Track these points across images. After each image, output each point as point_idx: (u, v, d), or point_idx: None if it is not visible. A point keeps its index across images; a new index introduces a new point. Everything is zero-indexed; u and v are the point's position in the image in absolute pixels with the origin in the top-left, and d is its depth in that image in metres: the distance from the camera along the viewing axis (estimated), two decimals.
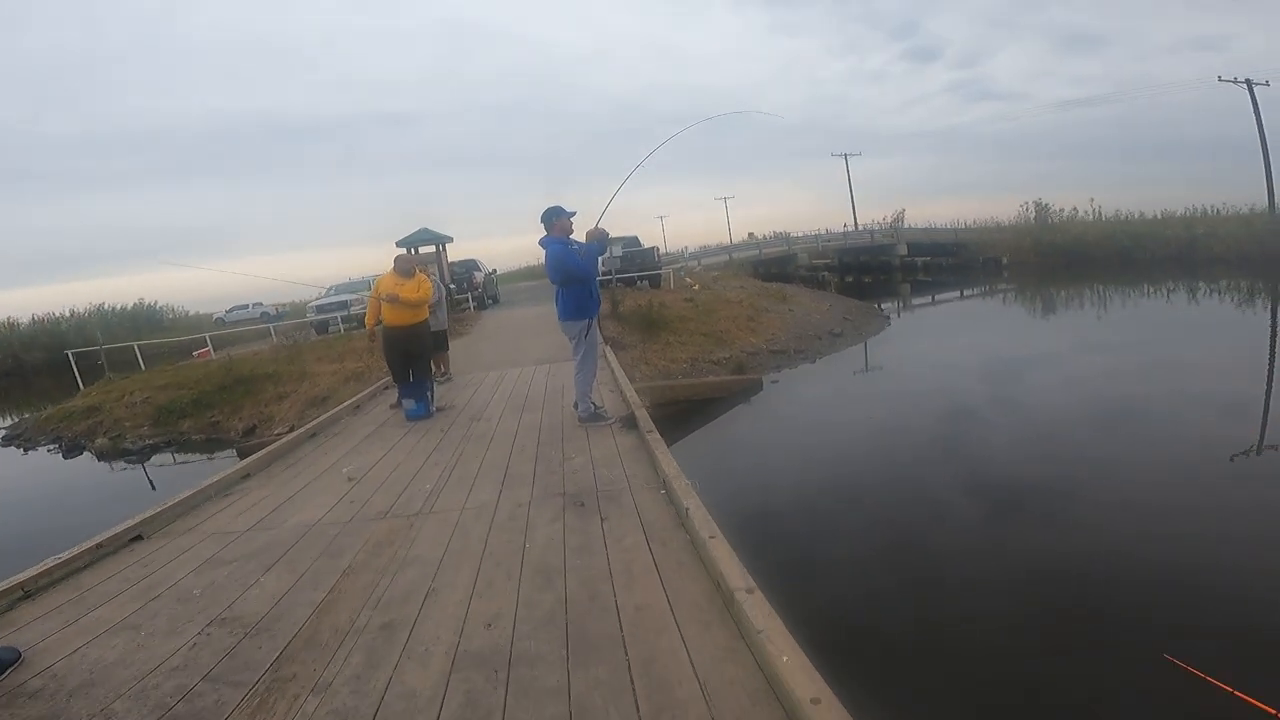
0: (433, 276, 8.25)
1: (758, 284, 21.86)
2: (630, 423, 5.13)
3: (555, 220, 5.25)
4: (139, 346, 18.43)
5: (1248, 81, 25.73)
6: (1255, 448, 6.13)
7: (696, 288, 17.76)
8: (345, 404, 7.92)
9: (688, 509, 3.20)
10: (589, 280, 5.36)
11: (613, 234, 5.17)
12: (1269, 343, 11.28)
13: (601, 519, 3.51)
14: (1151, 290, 19.77)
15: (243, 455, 8.74)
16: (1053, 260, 27.53)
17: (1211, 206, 28.40)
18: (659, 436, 4.49)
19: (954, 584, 4.41)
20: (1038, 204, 31.60)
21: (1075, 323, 15.89)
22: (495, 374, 8.87)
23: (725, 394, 9.92)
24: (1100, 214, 30.69)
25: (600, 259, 5.56)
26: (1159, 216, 29.74)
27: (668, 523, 3.34)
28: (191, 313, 34.85)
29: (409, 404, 6.56)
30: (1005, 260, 29.23)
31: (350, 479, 4.89)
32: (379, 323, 6.84)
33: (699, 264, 30.29)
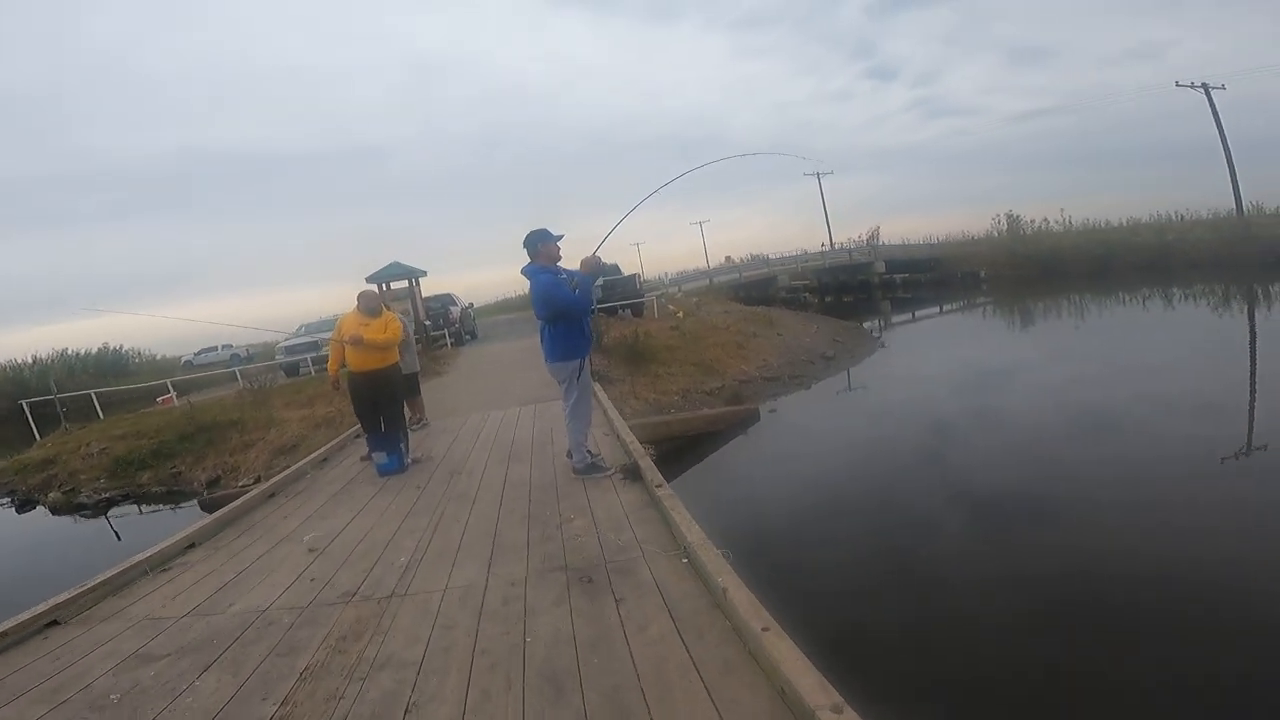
0: (402, 314, 7.64)
1: (741, 308, 21.49)
2: (633, 473, 4.54)
3: (541, 245, 4.64)
4: (96, 394, 17.57)
5: (1204, 86, 26.23)
6: (1244, 449, 6.31)
7: (681, 315, 17.29)
8: (310, 456, 7.20)
9: (725, 589, 2.61)
10: (582, 316, 4.75)
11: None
12: (1248, 345, 11.41)
13: (616, 600, 2.91)
14: (1128, 298, 19.83)
15: (206, 508, 8.23)
16: (1029, 272, 27.69)
17: (1176, 213, 28.95)
18: (670, 491, 3.90)
19: (998, 616, 4.12)
20: (1009, 216, 31.96)
21: (1059, 333, 15.79)
22: (476, 417, 8.22)
23: (722, 426, 9.37)
24: (1070, 224, 31.14)
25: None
26: (1125, 224, 30.29)
27: (699, 604, 2.75)
28: (159, 356, 33.84)
29: (380, 457, 5.88)
30: (983, 274, 29.33)
31: (311, 550, 4.23)
32: (344, 367, 6.18)
33: (679, 290, 29.97)
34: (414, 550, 3.95)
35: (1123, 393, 8.85)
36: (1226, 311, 15.96)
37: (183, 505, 9.46)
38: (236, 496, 6.99)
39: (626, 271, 21.55)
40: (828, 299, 32.54)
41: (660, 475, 4.21)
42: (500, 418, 7.93)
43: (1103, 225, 30.70)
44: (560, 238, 4.72)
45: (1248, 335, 12.40)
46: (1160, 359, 10.97)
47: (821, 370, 12.89)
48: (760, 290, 33.58)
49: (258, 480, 8.97)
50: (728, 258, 51.04)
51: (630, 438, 5.35)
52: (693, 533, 3.24)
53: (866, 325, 20.83)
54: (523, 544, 3.78)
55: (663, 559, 3.24)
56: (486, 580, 3.37)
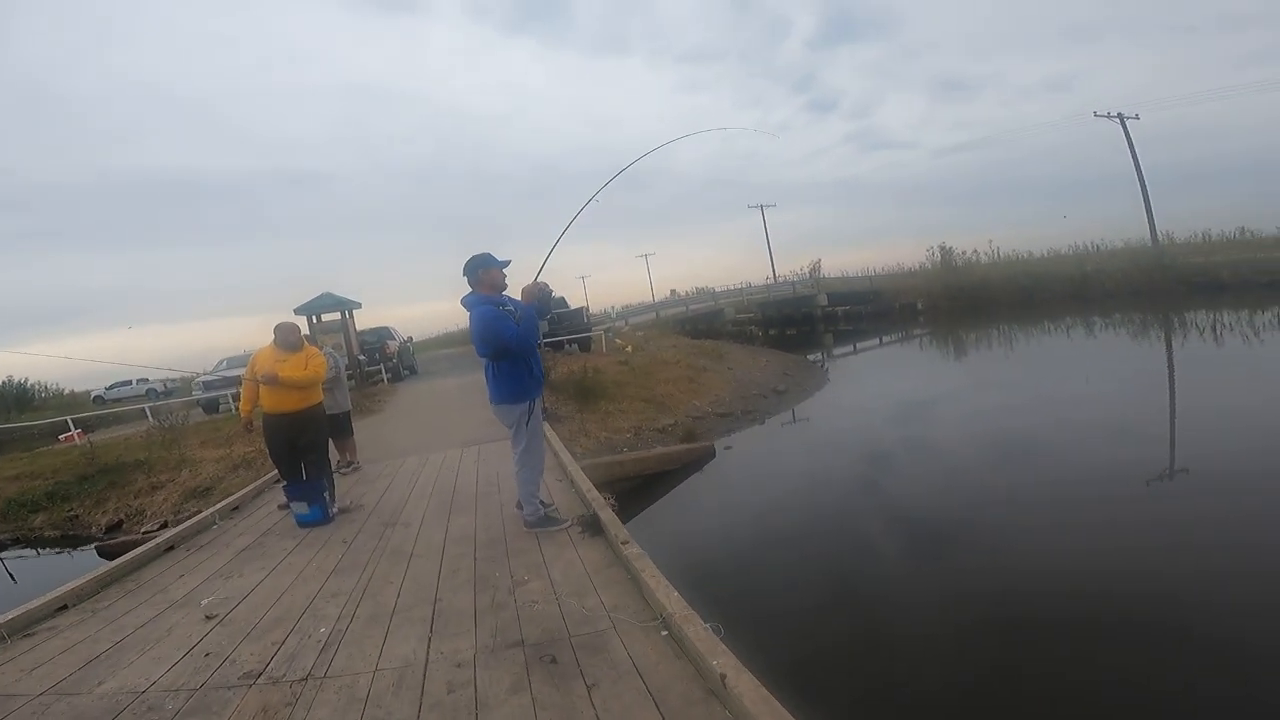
0: (325, 349, 7.00)
1: (690, 342, 21.30)
2: (592, 526, 4.06)
3: (482, 272, 4.14)
4: None
5: (1120, 116, 27.82)
6: (1167, 472, 6.68)
7: (629, 349, 16.93)
8: (219, 504, 6.41)
9: (723, 675, 2.17)
10: (529, 352, 4.22)
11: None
12: (1166, 372, 11.97)
13: (588, 686, 2.44)
14: (1053, 327, 20.62)
15: (105, 555, 7.57)
16: (962, 303, 28.62)
17: (1093, 243, 30.62)
18: (638, 549, 3.44)
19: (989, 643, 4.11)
20: (942, 248, 33.02)
21: (991, 364, 16.21)
22: (414, 460, 7.56)
23: (677, 465, 8.97)
24: (999, 254, 32.50)
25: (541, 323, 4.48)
26: (1046, 255, 31.87)
27: (690, 691, 2.31)
28: (66, 391, 31.36)
29: (300, 508, 5.21)
30: (920, 305, 30.17)
31: (209, 617, 3.60)
32: (257, 408, 5.49)
33: (626, 323, 29.71)
34: (337, 619, 3.37)
35: (1051, 420, 9.18)
36: (1144, 340, 16.74)
37: (81, 549, 8.88)
38: (141, 542, 6.19)
39: (573, 305, 21.12)
40: (772, 331, 32.82)
41: (624, 530, 3.75)
42: (441, 461, 7.31)
43: (1026, 256, 32.26)
44: (507, 263, 4.25)
45: (1165, 363, 13.00)
46: (1084, 388, 11.36)
47: (774, 405, 12.69)
48: (707, 323, 33.67)
49: (164, 526, 8.28)
50: (673, 291, 51.41)
51: (587, 485, 4.87)
52: (672, 600, 2.80)
53: (811, 357, 20.96)
54: (469, 612, 3.25)
55: (637, 631, 2.78)
56: (427, 658, 2.84)
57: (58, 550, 9.27)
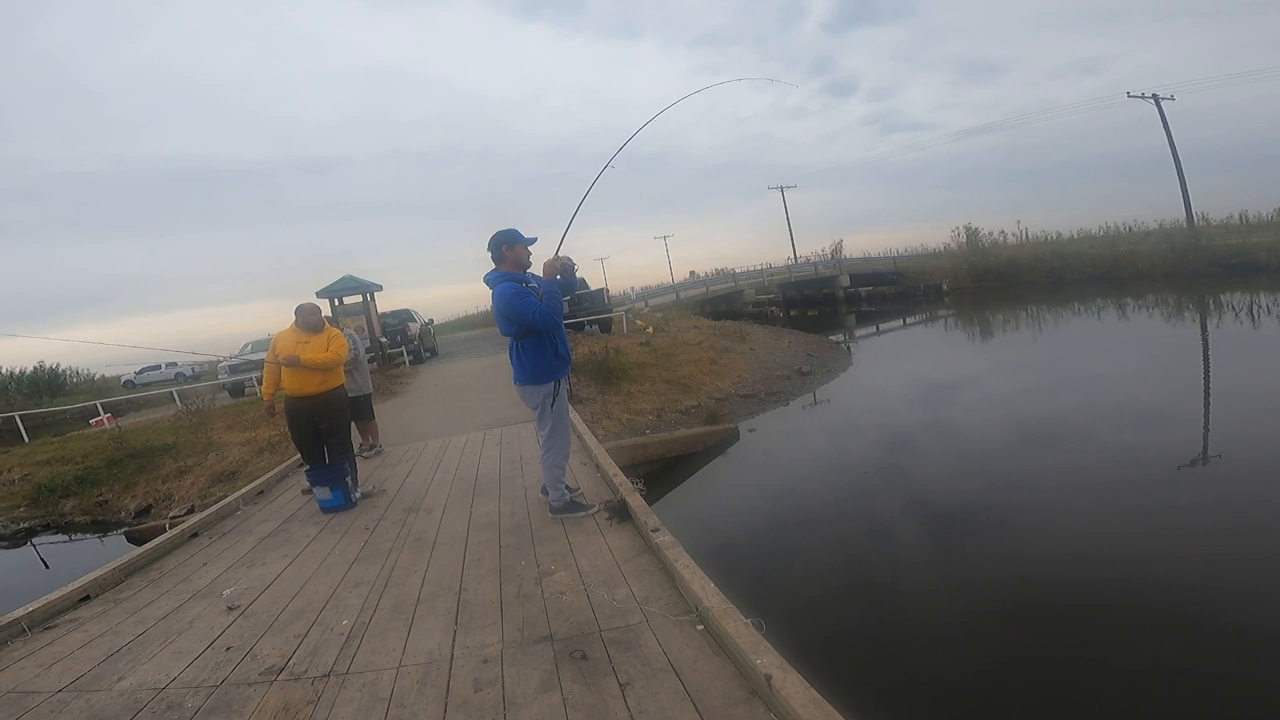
0: (347, 330, 6.90)
1: (710, 323, 21.07)
2: (620, 512, 3.92)
3: (507, 248, 3.98)
4: (21, 417, 16.34)
5: (1155, 97, 26.89)
6: (1201, 456, 6.47)
7: (651, 331, 16.75)
8: (243, 490, 6.36)
9: (768, 676, 2.02)
10: (554, 330, 4.05)
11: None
12: (1202, 355, 11.61)
13: (621, 685, 2.30)
14: (1084, 309, 20.07)
15: (133, 540, 7.57)
16: (988, 284, 28.06)
17: (1124, 224, 29.74)
18: (670, 536, 3.29)
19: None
20: (968, 229, 32.44)
21: (1023, 346, 15.74)
22: (436, 443, 7.49)
23: (700, 447, 8.83)
24: (1027, 235, 31.74)
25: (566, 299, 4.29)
26: (1076, 236, 31.05)
27: (731, 691, 2.16)
28: (97, 375, 31.98)
29: (322, 493, 5.13)
30: (945, 286, 29.59)
31: (231, 608, 3.51)
32: (281, 391, 5.41)
33: (646, 305, 29.51)
34: (360, 610, 3.27)
35: (1085, 403, 8.97)
36: (1178, 321, 16.21)
37: (111, 534, 8.88)
38: (167, 527, 6.20)
39: (594, 286, 20.95)
40: (793, 313, 32.45)
41: (654, 516, 3.60)
42: (463, 444, 7.21)
43: (1055, 237, 31.47)
44: (533, 241, 4.08)
45: (1199, 345, 12.60)
46: (1117, 370, 11.10)
47: (798, 386, 12.45)
48: (726, 304, 33.41)
49: (191, 510, 8.31)
50: (692, 272, 50.99)
51: (613, 469, 4.72)
52: (708, 593, 2.65)
53: (833, 338, 20.63)
54: (495, 604, 3.13)
55: (671, 625, 2.64)
56: (452, 653, 2.72)
57: (88, 535, 9.37)
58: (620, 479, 4.39)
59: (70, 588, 3.96)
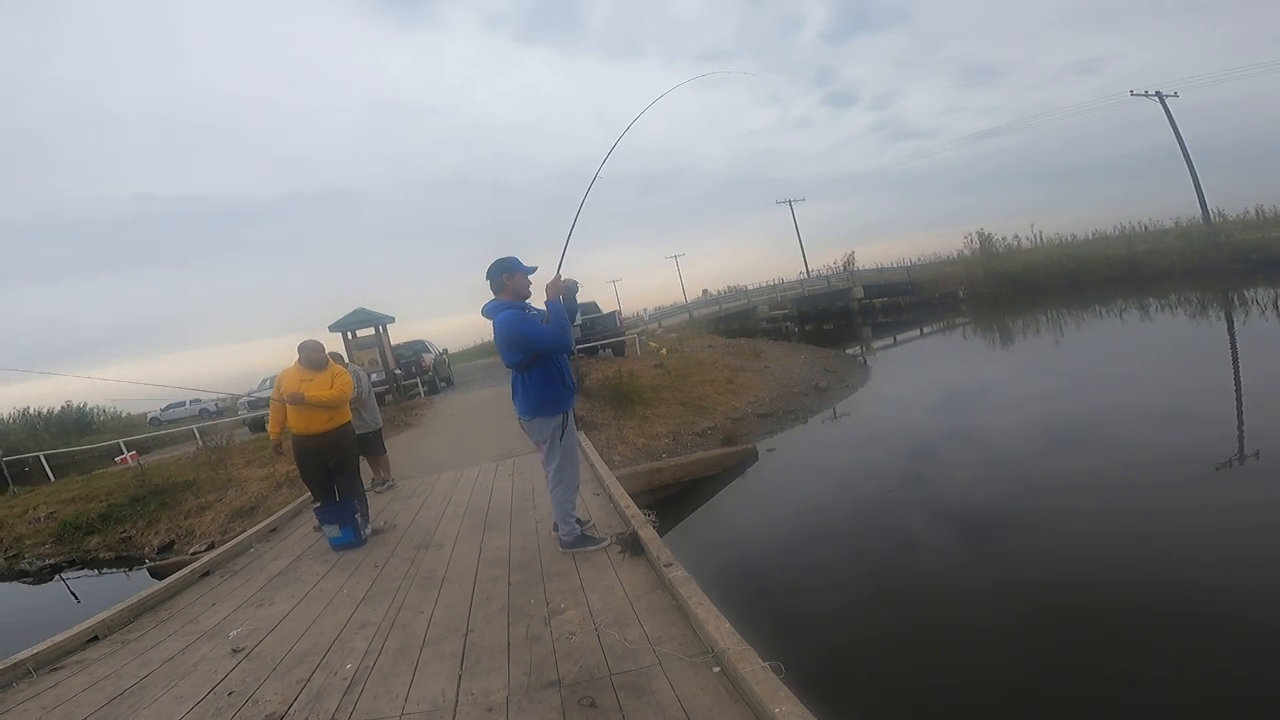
0: (353, 367, 6.88)
1: (724, 341, 20.93)
2: (633, 545, 3.79)
3: (507, 277, 3.88)
4: (47, 456, 16.62)
5: (1159, 94, 26.55)
6: (1237, 457, 6.27)
7: (664, 352, 16.64)
8: (256, 527, 6.34)
9: None
10: (558, 356, 3.92)
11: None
12: (1230, 353, 11.25)
13: None
14: (1105, 310, 19.66)
15: (156, 575, 7.56)
16: (1005, 289, 27.66)
17: (1139, 223, 29.24)
18: (684, 572, 3.15)
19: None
20: (981, 234, 32.11)
21: (1043, 350, 15.40)
22: (449, 475, 7.41)
23: (719, 470, 8.64)
24: (1041, 239, 31.35)
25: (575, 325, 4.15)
26: (1092, 237, 30.58)
27: None
28: (124, 414, 32.44)
29: (332, 530, 5.06)
30: (961, 294, 29.23)
31: (236, 650, 3.44)
32: (286, 430, 5.35)
33: (659, 325, 29.45)
34: (365, 653, 3.17)
35: (1114, 405, 8.80)
36: (1203, 320, 15.81)
37: (137, 569, 8.95)
38: (189, 563, 6.16)
39: (605, 309, 20.91)
40: (808, 327, 32.18)
41: (668, 550, 3.46)
42: (475, 475, 7.13)
43: (1070, 239, 31.05)
44: (533, 270, 3.99)
45: (1227, 343, 12.26)
46: (1143, 371, 10.89)
47: (816, 403, 12.25)
48: (740, 322, 33.25)
49: (211, 546, 8.30)
50: (705, 290, 50.92)
51: (626, 500, 4.59)
52: (723, 633, 2.51)
53: (850, 351, 20.38)
54: (502, 645, 3.01)
55: (687, 668, 2.50)
56: (456, 699, 2.60)
57: (114, 571, 9.42)
58: (632, 510, 4.27)
59: (78, 629, 3.93)
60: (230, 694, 2.97)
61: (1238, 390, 8.76)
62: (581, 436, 7.33)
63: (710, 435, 10.04)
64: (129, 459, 15.65)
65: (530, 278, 3.96)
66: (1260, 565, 4.25)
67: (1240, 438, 6.80)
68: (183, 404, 31.85)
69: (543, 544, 4.30)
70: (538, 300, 3.94)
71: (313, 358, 5.22)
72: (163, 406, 32.69)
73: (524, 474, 6.65)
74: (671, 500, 7.80)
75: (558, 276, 3.90)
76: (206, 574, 5.11)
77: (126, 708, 2.95)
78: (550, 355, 3.85)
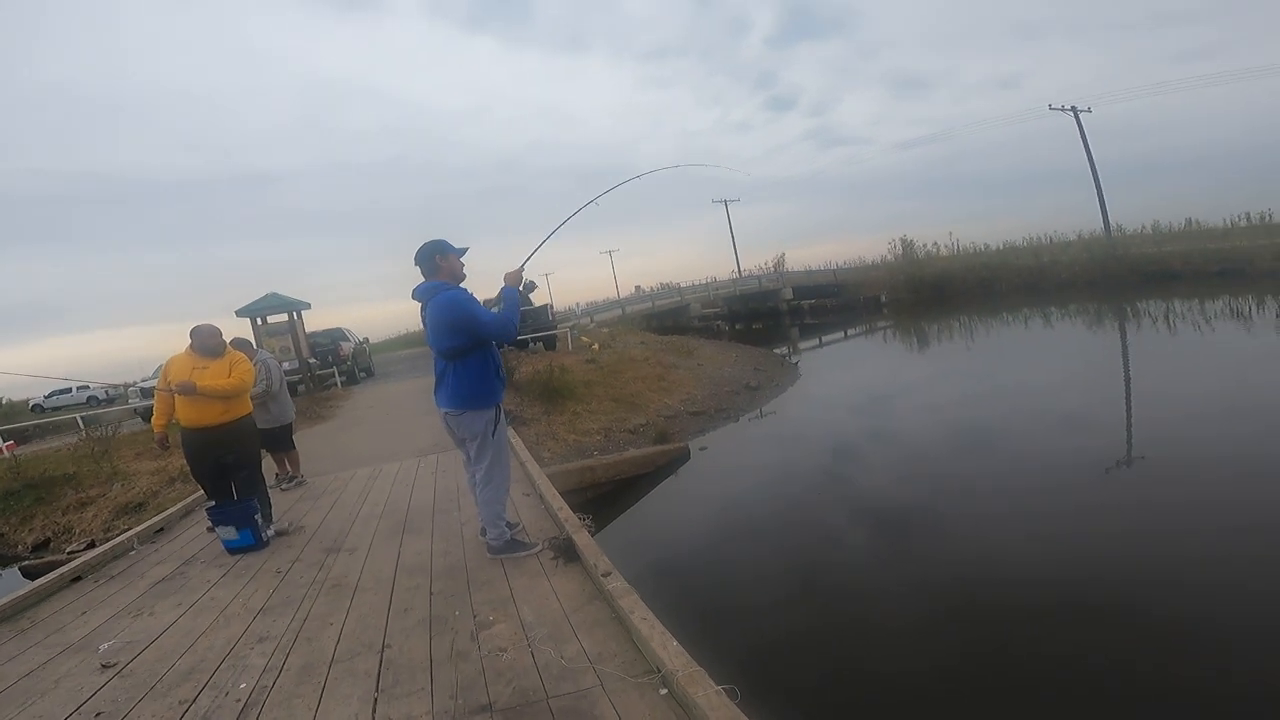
0: (262, 354, 6.30)
1: (657, 338, 20.85)
2: (566, 550, 3.53)
3: (441, 258, 3.55)
4: None
5: (1074, 109, 28.15)
6: (1123, 459, 6.78)
7: (596, 348, 16.36)
8: (140, 527, 5.70)
9: None
10: (493, 346, 3.61)
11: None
12: (1120, 361, 12.07)
13: None
14: (1011, 318, 20.76)
15: (29, 575, 6.92)
16: (924, 295, 28.77)
17: (1047, 235, 31.07)
18: (624, 583, 2.92)
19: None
20: (904, 241, 33.28)
21: (956, 355, 16.10)
22: (365, 472, 6.91)
23: (651, 468, 8.49)
24: (958, 247, 32.83)
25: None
26: (1003, 247, 32.29)
27: None
28: (4, 400, 29.50)
29: (227, 532, 4.55)
30: (884, 298, 30.25)
31: (106, 666, 3.00)
32: (173, 423, 4.76)
33: (591, 320, 29.13)
34: (263, 671, 2.79)
35: (1013, 409, 9.41)
36: (1099, 329, 16.88)
37: (8, 569, 8.24)
38: (64, 563, 5.48)
39: (538, 302, 20.45)
40: (738, 326, 32.57)
41: (605, 558, 3.21)
42: (395, 472, 6.67)
43: (984, 249, 32.67)
44: (464, 251, 3.68)
45: (1119, 352, 13.12)
46: (1042, 377, 11.54)
47: (747, 402, 12.28)
48: (673, 319, 33.34)
49: (92, 545, 7.61)
50: (638, 287, 50.90)
51: (559, 503, 4.30)
52: (670, 652, 2.29)
53: (778, 351, 20.70)
54: (424, 662, 2.70)
55: (631, 690, 2.27)
56: None
57: None
58: (566, 514, 4.00)
59: None
60: (98, 715, 2.56)
61: (1128, 397, 9.42)
62: (510, 433, 6.98)
63: (643, 432, 9.88)
64: (4, 449, 14.11)
65: (462, 260, 3.63)
66: (1145, 558, 4.60)
67: (1129, 441, 7.37)
68: (69, 390, 29.24)
69: (468, 549, 3.97)
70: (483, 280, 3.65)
71: (207, 343, 4.66)
72: (47, 393, 29.97)
73: (447, 471, 6.26)
74: (603, 499, 7.58)
75: (521, 269, 3.65)
76: (78, 579, 4.51)
77: None
78: (488, 344, 3.54)
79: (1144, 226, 28.55)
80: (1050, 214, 54.11)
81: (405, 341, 38.15)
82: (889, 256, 33.85)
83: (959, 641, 3.95)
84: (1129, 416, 8.35)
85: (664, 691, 2.22)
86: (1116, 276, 23.78)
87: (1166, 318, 15.78)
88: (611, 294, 52.36)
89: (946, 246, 32.99)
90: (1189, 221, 27.32)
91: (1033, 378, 11.70)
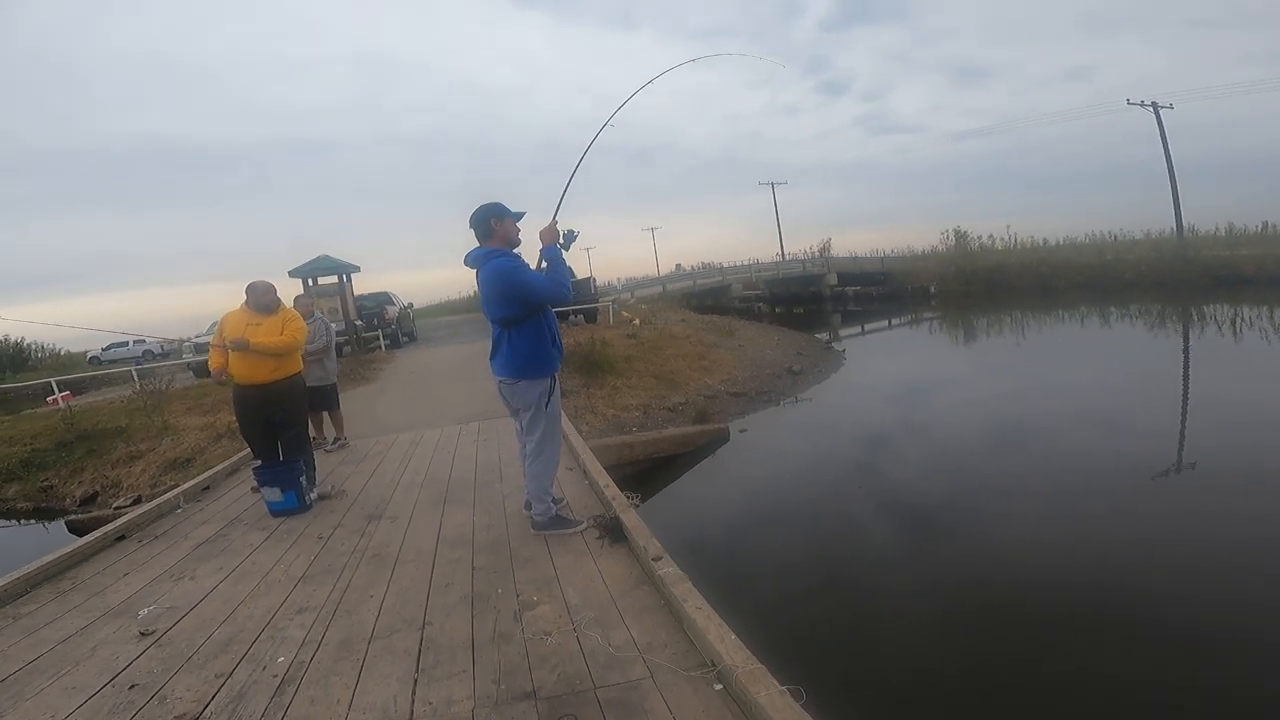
0: (318, 315, 6.29)
1: (697, 317, 20.58)
2: (613, 530, 3.41)
3: (496, 221, 3.41)
4: None
5: (1154, 104, 26.65)
6: (1175, 466, 6.49)
7: (637, 323, 16.21)
8: (187, 485, 5.75)
9: None
10: (549, 311, 3.49)
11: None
12: (1182, 368, 11.40)
13: None
14: (1069, 316, 19.89)
15: (75, 530, 6.90)
16: (976, 288, 27.85)
17: (1112, 233, 29.66)
18: (676, 569, 2.78)
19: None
20: (957, 232, 32.23)
21: (1007, 351, 15.50)
22: (407, 438, 6.91)
23: (690, 448, 8.34)
24: (1016, 241, 31.58)
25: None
26: (1064, 243, 30.95)
27: None
28: (63, 351, 30.65)
29: (272, 494, 4.54)
30: (933, 289, 29.38)
31: (144, 633, 2.96)
32: (225, 380, 4.74)
33: (632, 296, 28.97)
34: (301, 644, 2.73)
35: (1071, 410, 8.96)
36: (1162, 331, 16.10)
37: (55, 522, 8.30)
38: (111, 518, 5.57)
39: (581, 275, 20.35)
40: (779, 309, 32.04)
41: (656, 541, 3.08)
42: (436, 439, 6.65)
43: (1043, 244, 31.38)
44: (521, 215, 3.53)
45: (1180, 356, 12.46)
46: (1098, 379, 11.06)
47: (789, 386, 12.00)
48: (713, 299, 32.97)
49: (138, 500, 7.66)
50: (678, 265, 50.50)
51: (605, 480, 4.19)
52: (728, 646, 2.15)
53: (819, 337, 20.26)
54: (465, 642, 2.61)
55: (683, 683, 2.14)
56: (411, 709, 2.21)
57: (32, 522, 8.75)
58: (613, 491, 3.88)
59: None
60: (133, 687, 2.51)
61: (1184, 403, 8.94)
62: None
63: (682, 411, 9.72)
64: (60, 400, 14.59)
65: (519, 225, 3.49)
66: (1189, 571, 4.40)
67: (1180, 449, 7.05)
68: (125, 344, 30.20)
69: (511, 522, 3.89)
70: (531, 241, 3.49)
71: (261, 300, 4.63)
72: (104, 346, 31.03)
73: (490, 440, 6.21)
74: (640, 477, 7.47)
75: (554, 223, 3.46)
76: (122, 537, 4.54)
77: (5, 699, 2.47)
78: (543, 310, 3.41)
79: (1217, 228, 27.06)
80: (1109, 212, 51.79)
81: (447, 309, 38.48)
82: (940, 247, 32.83)
83: (1007, 647, 3.76)
84: (1183, 423, 7.97)
85: (719, 687, 2.08)
86: (1185, 279, 22.64)
87: (1234, 323, 14.96)
88: (652, 271, 52.01)
89: (1003, 240, 31.80)
90: (1265, 225, 25.84)
91: (1085, 378, 11.21)
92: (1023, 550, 5.00)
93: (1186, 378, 10.71)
